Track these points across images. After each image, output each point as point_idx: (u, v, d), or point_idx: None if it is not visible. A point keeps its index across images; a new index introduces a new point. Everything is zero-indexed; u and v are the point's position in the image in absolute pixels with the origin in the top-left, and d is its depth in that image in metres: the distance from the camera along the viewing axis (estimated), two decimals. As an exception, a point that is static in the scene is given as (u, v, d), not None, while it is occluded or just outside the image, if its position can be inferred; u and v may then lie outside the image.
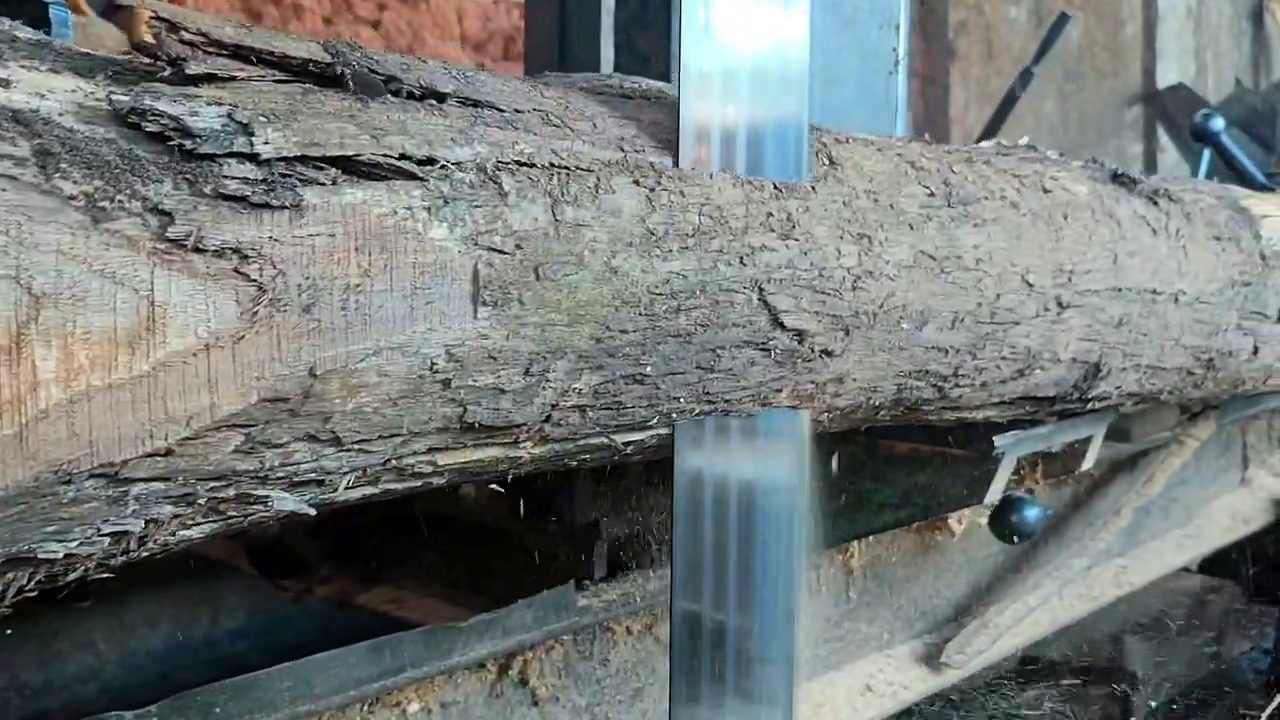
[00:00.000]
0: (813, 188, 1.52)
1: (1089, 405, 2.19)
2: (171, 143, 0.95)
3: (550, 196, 1.22)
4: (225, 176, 0.96)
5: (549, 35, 2.42)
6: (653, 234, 1.31)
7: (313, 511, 1.11)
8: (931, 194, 1.71)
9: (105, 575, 1.02)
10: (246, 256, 0.96)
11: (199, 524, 1.03)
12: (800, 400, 1.55)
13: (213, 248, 0.94)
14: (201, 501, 1.00)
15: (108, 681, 1.87)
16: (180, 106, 0.96)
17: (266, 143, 0.99)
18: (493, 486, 2.01)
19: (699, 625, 1.54)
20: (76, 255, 0.87)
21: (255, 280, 0.97)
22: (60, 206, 0.86)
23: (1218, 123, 3.85)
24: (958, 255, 1.70)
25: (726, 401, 1.46)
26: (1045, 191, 1.94)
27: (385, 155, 1.08)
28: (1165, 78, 8.51)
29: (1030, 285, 1.82)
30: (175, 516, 0.99)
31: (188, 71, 0.99)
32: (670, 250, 1.32)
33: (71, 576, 0.98)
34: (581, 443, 1.35)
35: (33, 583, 0.95)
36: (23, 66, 0.94)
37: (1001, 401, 1.97)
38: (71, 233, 0.87)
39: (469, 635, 1.70)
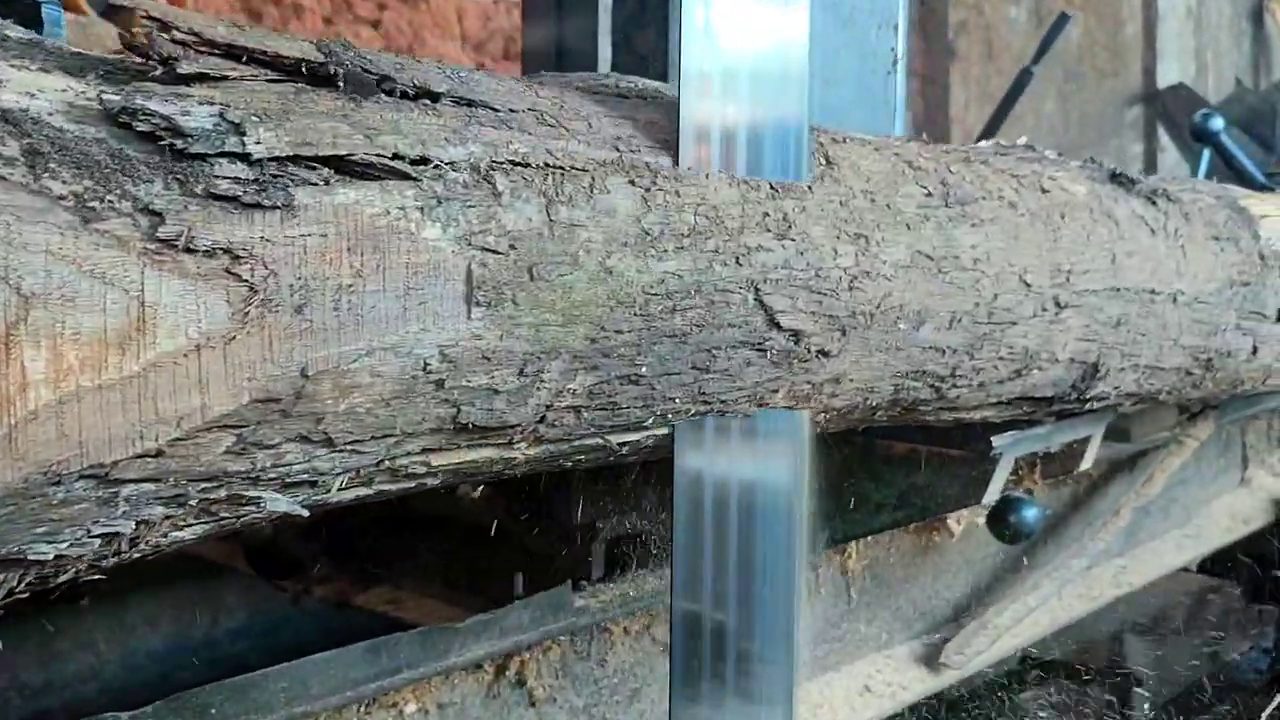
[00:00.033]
0: (809, 188, 1.52)
1: (1087, 406, 2.19)
2: (162, 142, 0.94)
3: (545, 196, 1.21)
4: (216, 176, 0.96)
5: (547, 34, 2.41)
6: (648, 234, 1.30)
7: (305, 513, 1.10)
8: (929, 194, 1.70)
9: (98, 577, 1.02)
10: (238, 257, 0.96)
11: (191, 525, 1.02)
12: (797, 401, 1.55)
13: (204, 248, 0.94)
14: (193, 503, 1.00)
15: (108, 681, 1.88)
16: (172, 106, 0.96)
17: (258, 142, 0.99)
18: (489, 486, 2.01)
19: (699, 625, 1.54)
20: (66, 255, 0.86)
21: (247, 280, 0.97)
22: (49, 206, 0.86)
23: (1217, 122, 3.84)
24: (955, 255, 1.70)
25: (722, 402, 1.45)
26: (1043, 191, 1.94)
27: (378, 155, 1.08)
28: (1165, 77, 8.51)
29: (1028, 285, 1.82)
30: (167, 518, 0.99)
31: (179, 71, 0.99)
32: (666, 250, 1.32)
33: (63, 578, 0.97)
34: (576, 443, 1.35)
35: (23, 584, 0.94)
36: (13, 66, 0.94)
37: (999, 402, 1.97)
38: (61, 233, 0.86)
39: (466, 636, 1.70)
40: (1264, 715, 2.70)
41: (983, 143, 2.15)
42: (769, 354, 1.46)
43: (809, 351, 1.50)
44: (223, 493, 1.02)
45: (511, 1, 6.16)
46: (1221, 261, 2.32)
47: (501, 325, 1.16)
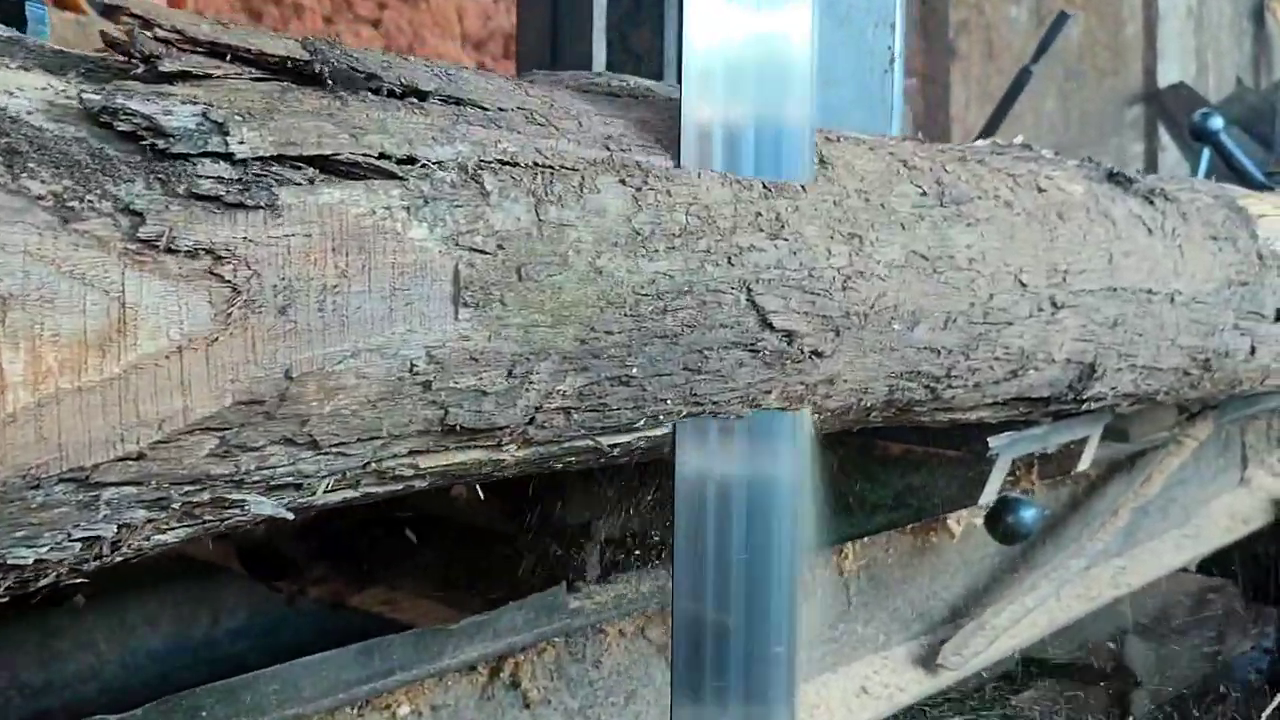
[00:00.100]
0: (802, 187, 1.51)
1: (1084, 406, 2.18)
2: (144, 142, 0.93)
3: (534, 196, 1.20)
4: (199, 176, 0.95)
5: (541, 33, 2.41)
6: (639, 234, 1.29)
7: (290, 515, 1.09)
8: (924, 193, 1.69)
9: (80, 580, 1.01)
10: (220, 257, 0.95)
11: (174, 528, 1.01)
12: (790, 402, 1.54)
13: (185, 248, 0.93)
14: (176, 506, 0.99)
15: (108, 681, 1.87)
16: (153, 105, 0.95)
17: (242, 142, 0.98)
18: (483, 487, 2.00)
19: (700, 625, 1.53)
20: (45, 256, 0.85)
21: (229, 281, 0.96)
22: (28, 206, 0.85)
23: (1216, 122, 3.84)
24: (950, 255, 1.69)
25: (714, 403, 1.44)
26: (1040, 191, 1.93)
27: (364, 154, 1.07)
28: (1166, 77, 8.51)
29: (1024, 285, 1.81)
30: (149, 521, 0.98)
31: (161, 69, 0.98)
32: (657, 250, 1.31)
33: (43, 582, 0.96)
34: (566, 445, 1.34)
35: (2, 589, 0.93)
36: (-8, 64, 0.93)
37: (995, 402, 1.96)
38: (39, 233, 0.85)
39: (459, 637, 1.69)
40: (1264, 715, 2.69)
41: (979, 142, 2.14)
42: (762, 355, 1.45)
43: (802, 352, 1.49)
44: (206, 496, 1.01)
45: (512, 1, 6.16)
46: (1219, 261, 2.31)
47: (489, 326, 1.15)
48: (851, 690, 2.35)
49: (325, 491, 1.12)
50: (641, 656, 1.97)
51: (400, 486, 1.22)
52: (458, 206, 1.13)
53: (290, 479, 1.07)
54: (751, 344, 1.43)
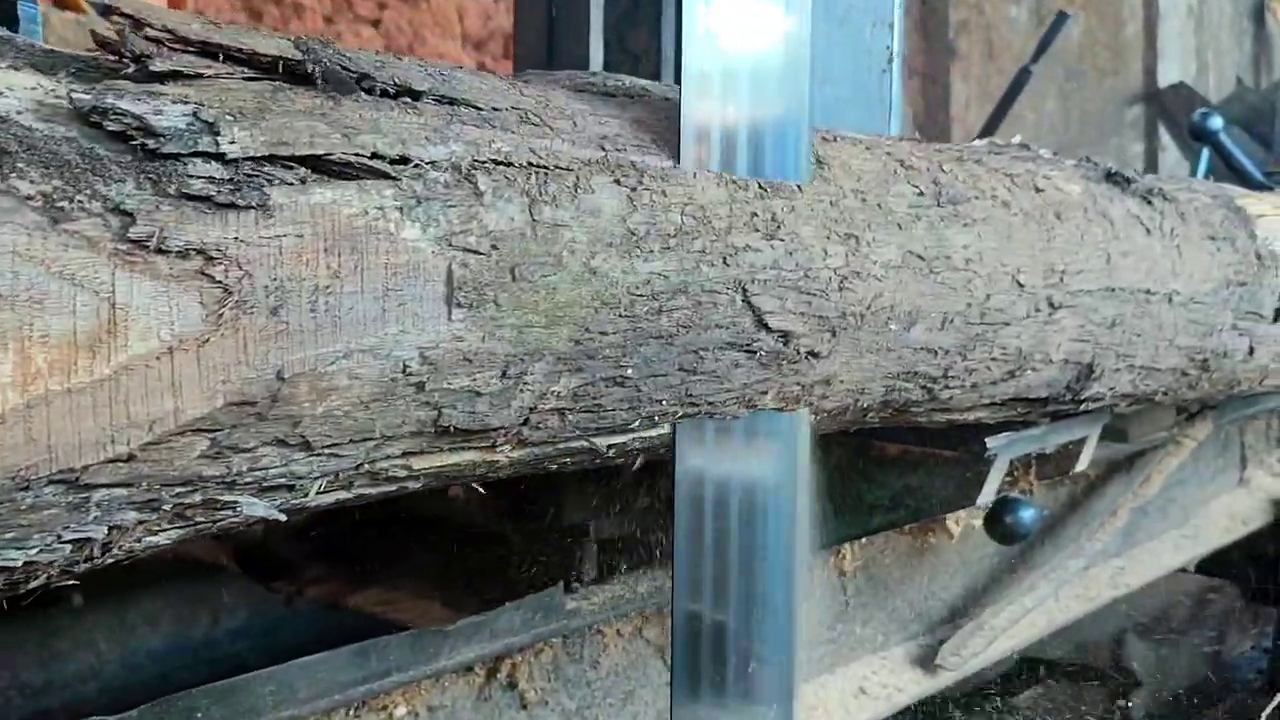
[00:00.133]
0: (798, 187, 1.50)
1: (1082, 407, 2.17)
2: (134, 142, 0.93)
3: (528, 196, 1.20)
4: (190, 176, 0.95)
5: (538, 33, 2.40)
6: (633, 234, 1.29)
7: (283, 517, 1.09)
8: (921, 193, 1.69)
9: (72, 582, 1.00)
10: (211, 258, 0.95)
11: (165, 530, 1.01)
12: (786, 403, 1.54)
13: (176, 249, 0.93)
14: (167, 507, 0.99)
15: (108, 681, 1.87)
16: (144, 105, 0.94)
17: (233, 142, 0.98)
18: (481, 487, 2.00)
19: (700, 625, 1.53)
20: (34, 256, 0.85)
21: (220, 282, 0.95)
22: (16, 206, 0.85)
23: (1216, 121, 3.83)
24: (947, 255, 1.68)
25: (710, 404, 1.44)
26: (1037, 191, 1.93)
27: (357, 154, 1.06)
28: (1166, 76, 8.50)
29: (1021, 285, 1.81)
30: (140, 523, 0.97)
31: (152, 69, 0.97)
32: (651, 250, 1.31)
33: (34, 584, 0.96)
34: (561, 446, 1.34)
35: (-8, 590, 0.93)
36: (-18, 64, 0.93)
37: (992, 403, 1.95)
38: (28, 233, 0.85)
39: (456, 638, 1.69)
40: (1264, 715, 2.68)
41: (977, 141, 2.13)
42: (757, 355, 1.45)
43: (798, 353, 1.49)
44: (197, 497, 1.01)
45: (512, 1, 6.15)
46: (1218, 261, 2.31)
47: (483, 327, 1.15)
48: (850, 691, 2.35)
49: (318, 493, 1.12)
50: (639, 657, 1.96)
51: (394, 488, 1.22)
52: (451, 207, 1.13)
53: (282, 480, 1.07)
54: (747, 345, 1.43)
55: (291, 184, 1.01)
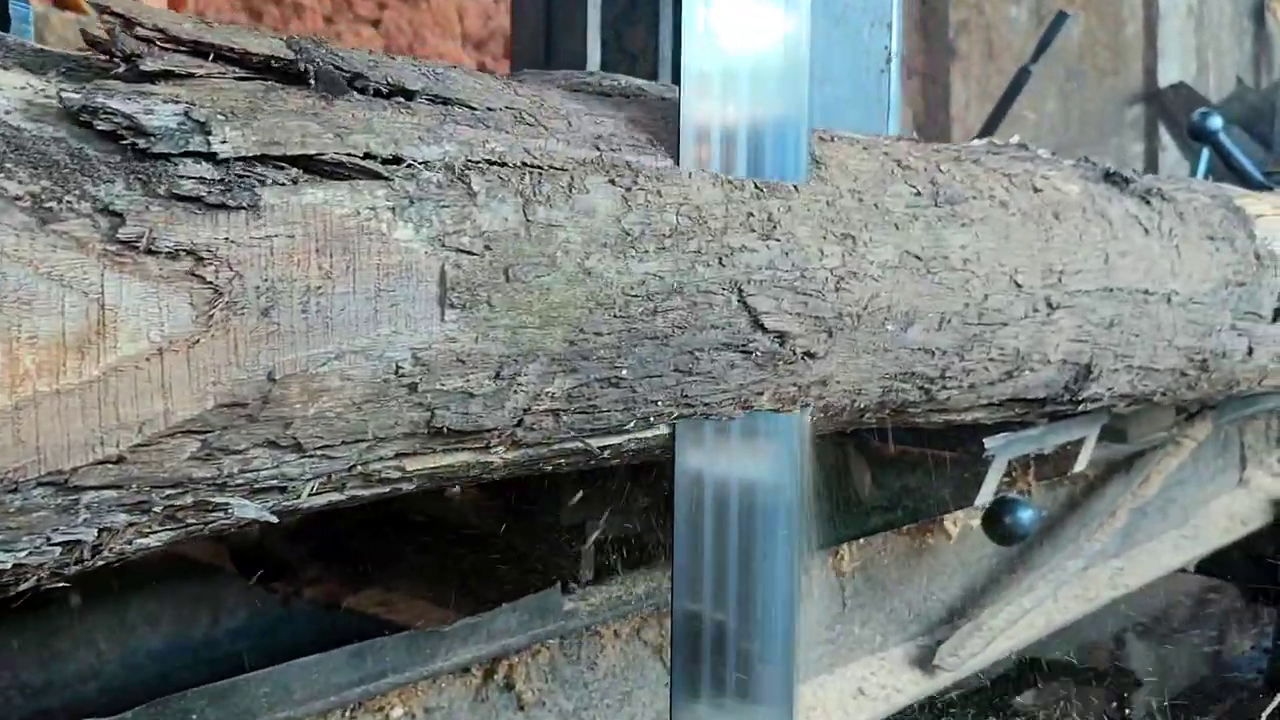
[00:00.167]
0: (795, 187, 1.50)
1: (1080, 407, 2.17)
2: (124, 142, 0.92)
3: (522, 196, 1.19)
4: (180, 176, 0.94)
5: (536, 32, 2.40)
6: (628, 234, 1.28)
7: (275, 519, 1.08)
8: (918, 193, 1.68)
9: (61, 584, 1.00)
10: (202, 258, 0.94)
11: (156, 532, 1.01)
12: (783, 403, 1.53)
13: (166, 249, 0.92)
14: (157, 509, 0.98)
15: (108, 681, 1.87)
16: (134, 104, 0.94)
17: (224, 142, 0.97)
18: (478, 488, 2.00)
19: (699, 625, 1.53)
20: (22, 257, 0.84)
21: (211, 283, 0.95)
22: (5, 207, 0.84)
23: (1215, 121, 3.83)
24: (944, 255, 1.68)
25: (706, 405, 1.43)
26: (1035, 191, 1.92)
27: (349, 154, 1.06)
28: (1166, 76, 8.49)
29: (1019, 286, 1.80)
30: (130, 525, 0.97)
31: (143, 68, 0.97)
32: (646, 251, 1.30)
33: (23, 586, 0.95)
34: (556, 447, 1.33)
35: (-19, 593, 0.93)
36: (-30, 63, 0.92)
37: (990, 404, 1.95)
38: (16, 234, 0.84)
39: (453, 640, 1.68)
40: (1264, 715, 2.68)
41: (975, 141, 2.13)
42: (753, 356, 1.44)
43: (794, 353, 1.48)
44: (188, 499, 1.00)
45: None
46: (1216, 261, 2.30)
47: (476, 327, 1.14)
48: (848, 691, 2.35)
49: (310, 494, 1.11)
50: (637, 658, 1.96)
51: (387, 489, 1.21)
52: (444, 207, 1.12)
53: (274, 482, 1.06)
54: (743, 345, 1.42)
55: (283, 184, 1.00)
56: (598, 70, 1.66)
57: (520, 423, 1.24)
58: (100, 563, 0.99)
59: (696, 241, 1.35)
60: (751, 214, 1.42)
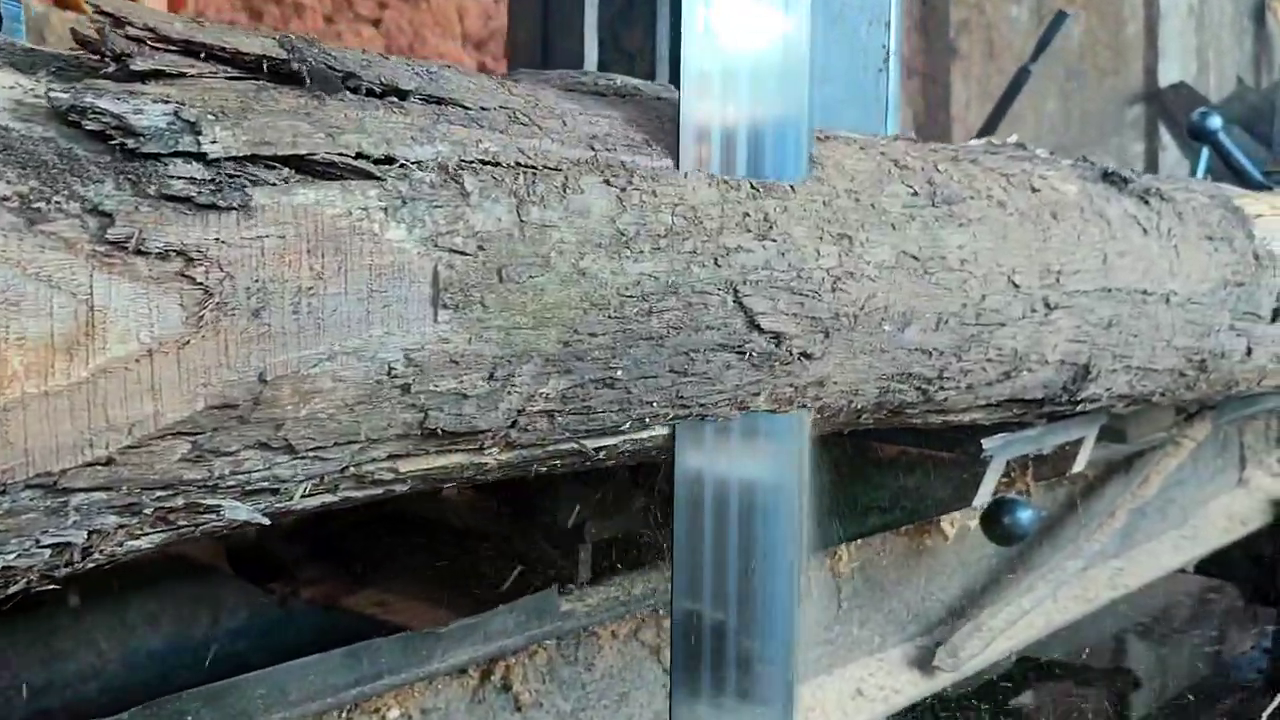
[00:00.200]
0: (791, 187, 1.49)
1: (1079, 408, 2.16)
2: (113, 142, 0.92)
3: (515, 196, 1.19)
4: (170, 176, 0.94)
5: (532, 32, 2.39)
6: (623, 235, 1.28)
7: (266, 521, 1.08)
8: (915, 193, 1.68)
9: (51, 586, 0.99)
10: (192, 259, 0.94)
11: (147, 534, 1.00)
12: (779, 404, 1.53)
13: (156, 250, 0.92)
14: (148, 511, 0.98)
15: (109, 680, 1.86)
16: (123, 104, 0.93)
17: (214, 142, 0.97)
18: (476, 489, 1.99)
19: (699, 625, 1.52)
20: (9, 258, 0.84)
21: (201, 283, 0.94)
22: (-8, 208, 0.84)
23: (1215, 121, 3.82)
24: (942, 255, 1.67)
25: (701, 406, 1.43)
26: (1033, 190, 1.91)
27: (341, 154, 1.05)
28: (1167, 76, 8.49)
29: (1017, 286, 1.79)
30: (120, 527, 0.96)
31: (133, 68, 0.96)
32: (641, 251, 1.29)
33: (13, 589, 0.95)
34: (551, 448, 1.33)
35: (-30, 596, 0.92)
36: (-41, 63, 0.92)
37: (988, 404, 1.94)
38: (4, 235, 0.84)
39: (449, 641, 1.68)
40: (1264, 715, 2.68)
41: (973, 141, 2.12)
42: (749, 357, 1.43)
43: (791, 354, 1.48)
44: (179, 501, 1.00)
45: (512, 0, 6.12)
46: (1215, 261, 2.30)
47: (470, 328, 1.14)
48: (847, 692, 2.35)
49: (303, 496, 1.11)
50: (634, 659, 1.95)
51: (380, 491, 1.21)
52: (437, 207, 1.12)
53: (266, 484, 1.06)
54: (739, 346, 1.42)
55: (274, 184, 1.00)
56: (593, 70, 1.65)
57: (514, 424, 1.23)
58: (91, 565, 0.99)
59: (692, 242, 1.35)
60: (747, 214, 1.42)
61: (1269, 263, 2.47)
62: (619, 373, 1.30)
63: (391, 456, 1.16)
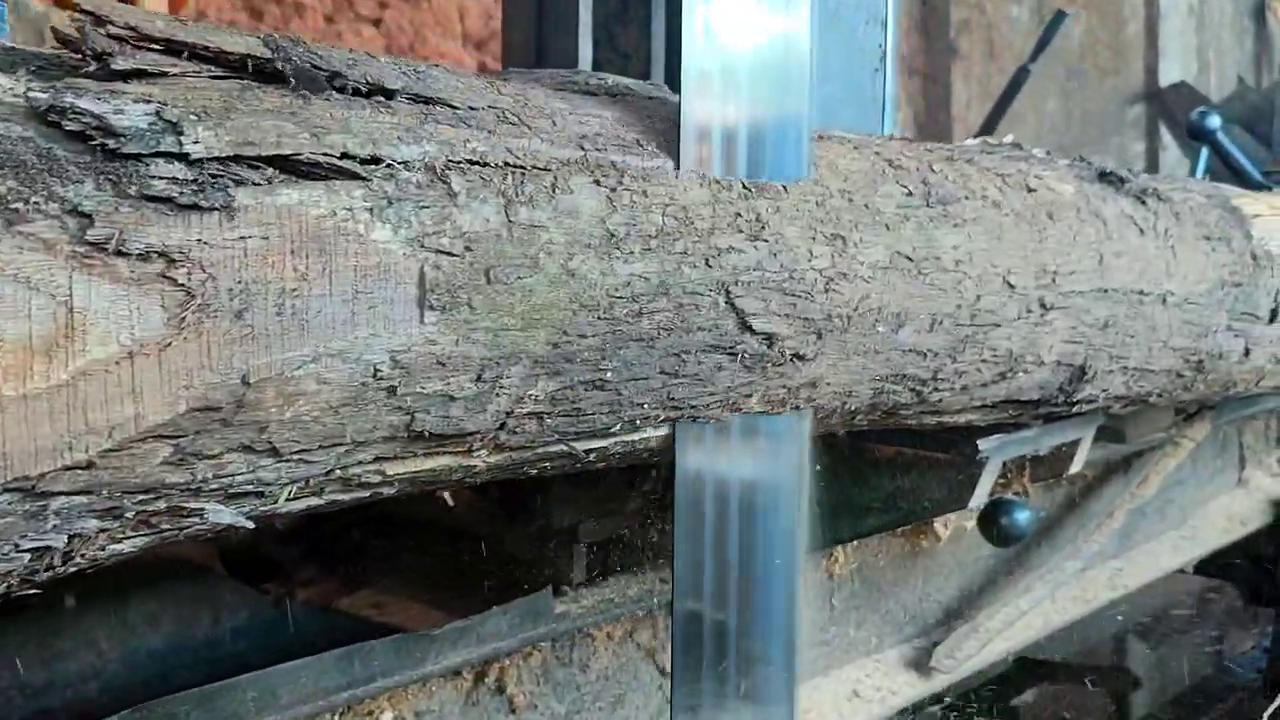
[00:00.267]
0: (784, 187, 1.48)
1: (1075, 409, 2.15)
2: (94, 142, 0.91)
3: (503, 196, 1.18)
4: (151, 177, 0.93)
5: (527, 32, 2.39)
6: (613, 235, 1.27)
7: (250, 524, 1.07)
8: (909, 193, 1.67)
9: (33, 590, 0.99)
10: (173, 260, 0.93)
11: (130, 538, 0.99)
12: (772, 406, 1.52)
13: (137, 251, 0.91)
14: (129, 515, 0.97)
15: (109, 680, 1.86)
16: (104, 104, 0.93)
17: (197, 142, 0.96)
18: (470, 490, 1.98)
19: (700, 625, 1.52)
20: (-13, 260, 0.83)
21: (183, 285, 0.93)
22: (-31, 209, 0.83)
23: (1214, 120, 3.81)
24: (936, 256, 1.66)
25: (693, 407, 1.42)
26: (1029, 190, 1.91)
27: (325, 154, 1.04)
28: (1167, 76, 8.48)
29: (1012, 286, 1.78)
30: (102, 531, 0.96)
31: (114, 67, 0.95)
32: (632, 252, 1.28)
33: (-7, 593, 0.94)
34: (540, 451, 1.32)
35: (-52, 600, 0.92)
36: (-62, 62, 0.91)
37: (983, 405, 1.93)
38: (-19, 236, 0.83)
39: (443, 643, 1.67)
40: (1265, 716, 2.67)
41: (969, 141, 2.11)
42: (741, 358, 1.43)
43: (783, 355, 1.47)
44: (162, 504, 0.99)
45: (512, 0, 6.11)
46: (1212, 262, 2.29)
47: (457, 330, 1.13)
48: (843, 694, 2.34)
49: (288, 499, 1.10)
50: (629, 660, 1.95)
51: (367, 494, 1.20)
52: (424, 207, 1.11)
53: (250, 487, 1.05)
54: (731, 347, 1.41)
55: (258, 184, 0.99)
56: (585, 70, 1.64)
57: (503, 426, 1.23)
58: (73, 569, 0.98)
59: (683, 242, 1.34)
60: (739, 214, 1.41)
61: (1267, 263, 2.46)
62: (609, 374, 1.29)
63: (378, 459, 1.15)
